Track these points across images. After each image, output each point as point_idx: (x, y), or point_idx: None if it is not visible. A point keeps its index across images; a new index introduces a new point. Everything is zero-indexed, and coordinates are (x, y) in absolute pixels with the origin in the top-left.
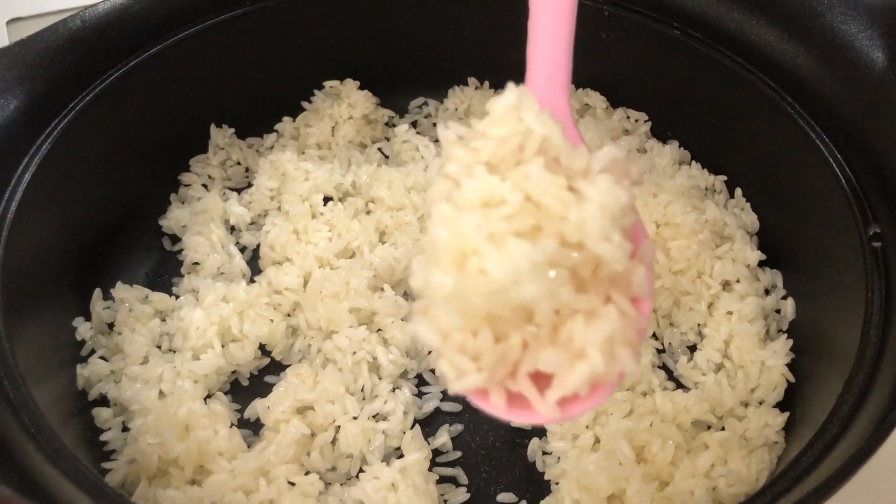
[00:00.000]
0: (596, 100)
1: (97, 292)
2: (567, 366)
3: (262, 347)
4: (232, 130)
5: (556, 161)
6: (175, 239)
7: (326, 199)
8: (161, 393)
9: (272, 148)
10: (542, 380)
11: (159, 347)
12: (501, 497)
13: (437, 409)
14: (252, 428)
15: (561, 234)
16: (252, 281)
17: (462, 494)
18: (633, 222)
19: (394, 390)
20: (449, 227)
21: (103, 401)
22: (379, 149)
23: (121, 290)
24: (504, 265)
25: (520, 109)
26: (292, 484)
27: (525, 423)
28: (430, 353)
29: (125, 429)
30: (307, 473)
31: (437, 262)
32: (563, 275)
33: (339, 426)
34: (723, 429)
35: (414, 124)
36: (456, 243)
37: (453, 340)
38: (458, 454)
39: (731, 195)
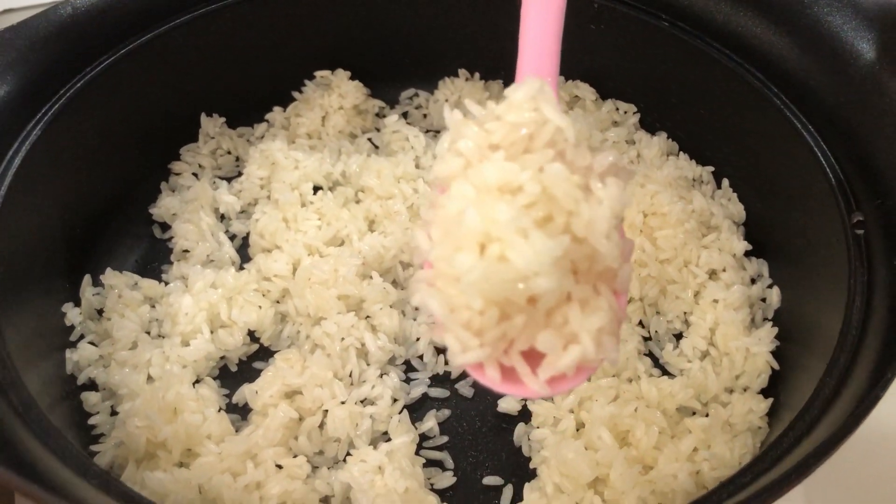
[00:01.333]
0: (585, 91)
1: (87, 278)
2: (559, 348)
3: (250, 334)
4: (222, 120)
5: (562, 155)
6: (165, 227)
7: (316, 189)
8: (149, 377)
9: (262, 137)
10: (529, 356)
11: (148, 333)
12: (487, 480)
13: (425, 395)
14: (240, 413)
15: (569, 227)
16: (241, 268)
17: (448, 478)
18: (620, 222)
19: (381, 376)
20: (477, 210)
21: (92, 385)
22: (369, 139)
23: (110, 277)
24: (529, 257)
25: (538, 100)
26: (280, 467)
27: (515, 395)
28: (417, 339)
29: (113, 413)
30: (295, 457)
31: (460, 243)
32: (567, 265)
33: (326, 410)
34: (707, 415)
35: (405, 115)
36: (484, 228)
37: (460, 316)
38: (445, 439)
39: (719, 186)
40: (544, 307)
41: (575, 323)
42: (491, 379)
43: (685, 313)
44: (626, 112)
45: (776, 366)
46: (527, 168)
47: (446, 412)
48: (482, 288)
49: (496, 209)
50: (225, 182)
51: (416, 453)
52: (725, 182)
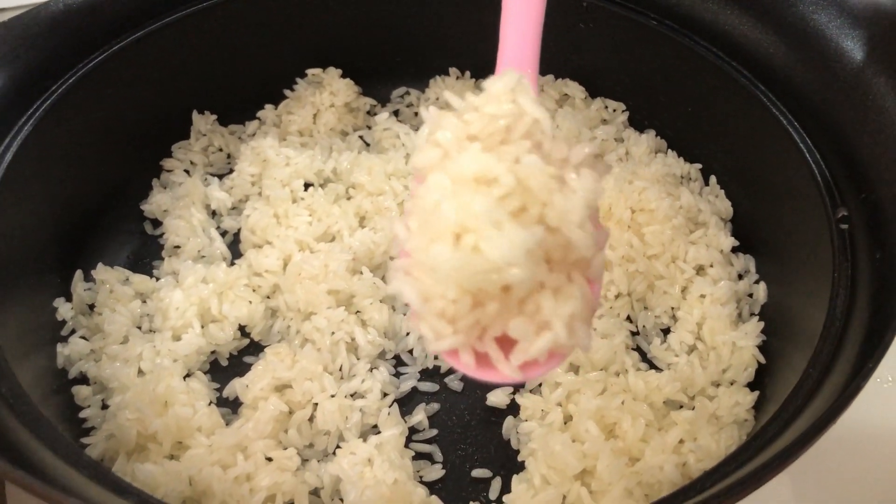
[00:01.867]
0: (574, 90)
1: (78, 273)
2: (531, 334)
3: (241, 328)
4: (214, 117)
5: (539, 146)
6: (156, 223)
7: (307, 185)
8: (140, 371)
9: (254, 135)
10: (503, 342)
11: (139, 328)
12: (476, 473)
13: (415, 389)
14: (231, 407)
15: (543, 218)
16: (232, 264)
17: (437, 471)
18: (595, 212)
19: (371, 370)
20: (453, 202)
21: (83, 379)
22: (360, 136)
23: (102, 272)
24: (503, 248)
25: (516, 92)
26: (270, 459)
27: (489, 380)
28: (407, 334)
29: (104, 406)
30: (285, 449)
31: (435, 233)
32: (540, 254)
33: (316, 404)
34: (693, 408)
35: (395, 113)
36: (459, 219)
37: (434, 305)
38: (435, 432)
39: (706, 183)
40: (517, 295)
41: (547, 310)
42: (465, 365)
43: (672, 308)
44: (614, 110)
45: (762, 360)
46: (503, 159)
47: (436, 406)
48: (456, 278)
49: (471, 200)
50: (216, 179)
51: (406, 446)
52: (713, 179)
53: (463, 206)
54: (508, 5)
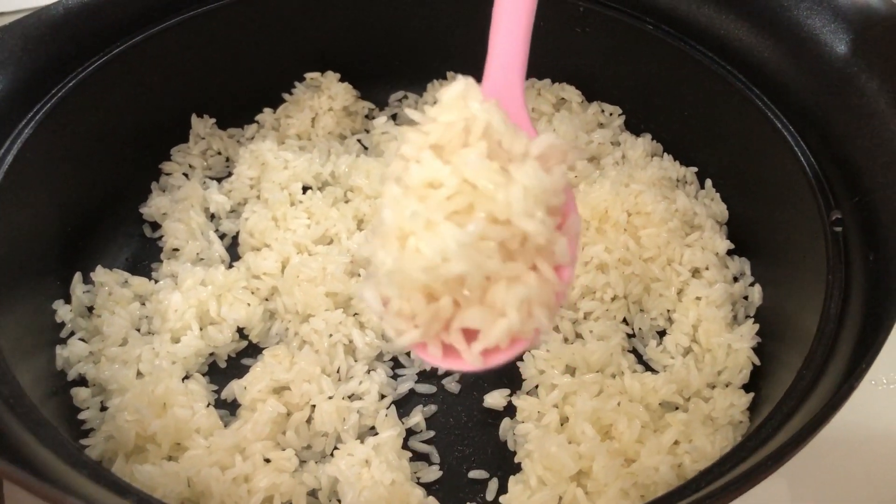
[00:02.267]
0: (571, 94)
1: (77, 276)
2: (490, 323)
3: (239, 331)
4: (213, 120)
5: (500, 144)
6: (155, 226)
7: (305, 189)
8: (139, 373)
9: (252, 138)
10: (473, 335)
11: (138, 330)
12: (473, 474)
13: (412, 391)
14: (229, 409)
15: (491, 213)
16: (231, 266)
17: (435, 472)
18: (565, 200)
19: (369, 372)
20: (394, 209)
21: (82, 381)
22: (358, 140)
23: (101, 274)
24: (435, 246)
25: (466, 98)
26: (268, 461)
27: (455, 369)
28: None
29: (103, 408)
30: (283, 450)
31: (383, 240)
32: (492, 247)
33: (314, 405)
34: (688, 410)
35: (394, 117)
36: (397, 223)
37: (393, 306)
38: (432, 433)
39: (702, 186)
40: (474, 287)
41: (500, 298)
42: (432, 356)
43: (668, 311)
44: (611, 114)
45: (757, 361)
46: (451, 162)
47: (433, 407)
48: (400, 278)
49: (407, 205)
50: (215, 182)
51: (403, 447)
52: (709, 182)
53: (399, 211)
54: (498, 21)
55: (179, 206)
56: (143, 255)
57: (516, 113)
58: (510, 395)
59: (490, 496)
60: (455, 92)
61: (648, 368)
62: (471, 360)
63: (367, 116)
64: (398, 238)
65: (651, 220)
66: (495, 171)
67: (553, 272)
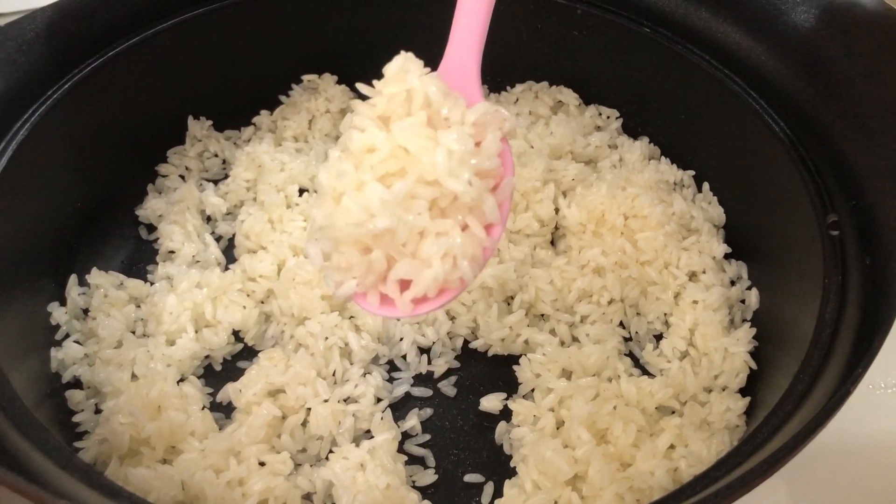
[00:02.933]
0: (569, 97)
1: (73, 278)
2: (419, 274)
3: (235, 333)
4: (210, 122)
5: (439, 114)
6: (151, 228)
7: (302, 191)
8: (134, 375)
9: (249, 140)
10: (407, 284)
11: (133, 333)
12: (468, 478)
13: (408, 394)
14: (224, 411)
15: (421, 175)
16: (226, 269)
17: (430, 475)
18: (500, 164)
19: (365, 375)
20: (329, 171)
21: (76, 383)
22: None
23: (96, 276)
24: (360, 203)
25: (406, 70)
26: (262, 464)
27: (390, 316)
28: (401, 339)
29: (98, 411)
30: (278, 454)
31: (320, 199)
32: (421, 205)
33: (309, 408)
34: (683, 415)
35: None
36: (331, 184)
37: (333, 260)
38: (427, 437)
39: (699, 189)
40: (406, 241)
41: (425, 250)
42: (370, 304)
43: (665, 314)
44: (608, 117)
45: (754, 366)
46: (389, 130)
47: (429, 411)
48: (332, 233)
49: (340, 168)
50: (211, 184)
51: (399, 451)
52: (706, 186)
53: (334, 173)
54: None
55: (175, 209)
56: (139, 258)
57: (469, 86)
58: (506, 399)
59: (486, 500)
60: (396, 66)
61: (645, 372)
62: (402, 308)
63: None
64: (333, 198)
65: (648, 224)
66: (426, 136)
67: (482, 229)
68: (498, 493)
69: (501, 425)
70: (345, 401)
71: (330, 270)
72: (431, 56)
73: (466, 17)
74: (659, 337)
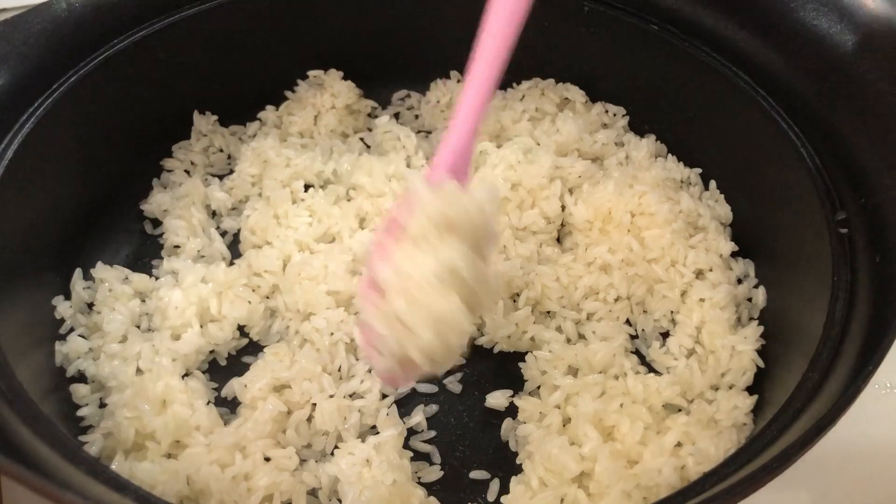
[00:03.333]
0: (575, 94)
1: (78, 272)
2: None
3: (240, 328)
4: (215, 118)
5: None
6: (156, 223)
7: (307, 187)
8: (139, 370)
9: (255, 136)
10: None
11: (138, 327)
12: (474, 475)
13: (413, 390)
14: (229, 406)
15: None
16: (232, 264)
17: (436, 472)
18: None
19: (370, 370)
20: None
21: (81, 377)
22: (361, 139)
23: (101, 271)
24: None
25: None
26: (268, 459)
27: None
28: None
29: (102, 405)
30: (283, 449)
31: (418, 320)
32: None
33: (314, 404)
34: (689, 412)
35: (396, 116)
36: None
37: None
38: (433, 433)
39: (706, 187)
40: None
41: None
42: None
43: (672, 312)
44: (615, 114)
45: (761, 363)
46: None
47: (434, 407)
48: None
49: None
50: (217, 179)
51: (404, 447)
52: (713, 183)
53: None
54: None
55: (181, 203)
56: (144, 252)
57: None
58: (512, 396)
59: (491, 497)
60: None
61: (651, 370)
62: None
63: (369, 115)
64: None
65: (655, 221)
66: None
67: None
68: (504, 489)
69: (507, 422)
70: (350, 396)
71: (370, 348)
72: (439, 54)
73: (458, 128)
74: (665, 335)
